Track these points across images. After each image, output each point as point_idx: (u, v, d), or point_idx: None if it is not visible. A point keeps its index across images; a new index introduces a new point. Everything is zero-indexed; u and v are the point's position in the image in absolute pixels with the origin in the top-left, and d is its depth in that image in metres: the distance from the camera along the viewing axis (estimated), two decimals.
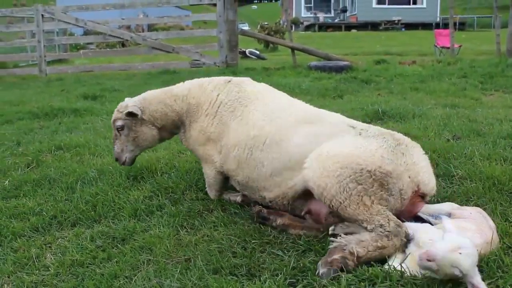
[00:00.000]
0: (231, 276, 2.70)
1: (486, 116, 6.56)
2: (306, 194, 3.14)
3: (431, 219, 3.07)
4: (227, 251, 3.01)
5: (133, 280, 2.75)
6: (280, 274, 2.69)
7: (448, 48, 17.28)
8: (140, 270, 2.86)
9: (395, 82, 10.98)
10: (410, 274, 2.60)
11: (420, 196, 3.08)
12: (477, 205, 3.46)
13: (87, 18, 15.34)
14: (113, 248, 3.16)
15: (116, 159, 3.95)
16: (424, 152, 3.21)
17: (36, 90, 11.17)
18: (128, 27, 25.08)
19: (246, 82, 3.86)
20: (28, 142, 5.98)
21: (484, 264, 2.68)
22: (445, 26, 18.10)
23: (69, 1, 24.20)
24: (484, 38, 26.44)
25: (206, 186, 3.92)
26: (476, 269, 2.48)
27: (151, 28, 30.68)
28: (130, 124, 3.81)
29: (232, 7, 13.99)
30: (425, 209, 3.15)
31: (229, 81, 3.84)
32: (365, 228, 2.81)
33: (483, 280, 2.49)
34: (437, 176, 4.05)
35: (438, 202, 3.52)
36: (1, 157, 5.34)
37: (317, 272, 2.65)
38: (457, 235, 2.60)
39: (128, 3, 16.53)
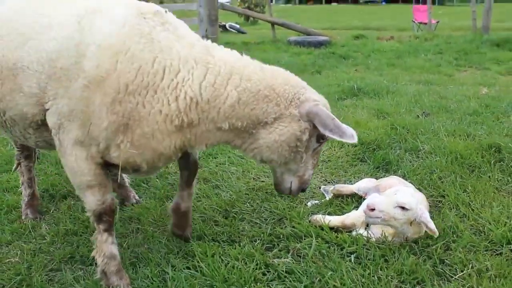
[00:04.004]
0: (213, 242, 2.98)
1: (456, 93, 6.88)
2: None
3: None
4: (209, 220, 3.28)
5: (123, 247, 3.00)
6: (258, 240, 2.98)
7: (426, 24, 17.56)
8: (130, 238, 3.11)
9: (373, 57, 11.25)
10: (376, 239, 2.91)
11: None
12: (440, 178, 3.79)
13: None
14: None
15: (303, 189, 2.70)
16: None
17: None
18: None
19: None
20: None
21: (441, 230, 3.00)
22: (426, 0, 18.25)
23: None
24: (462, 14, 26.76)
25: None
26: (423, 207, 2.84)
27: None
28: None
29: None
30: (345, 189, 3.52)
31: None
32: None
33: (437, 243, 2.82)
34: (405, 150, 4.39)
35: (404, 175, 3.84)
36: None
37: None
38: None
39: None
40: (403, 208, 2.74)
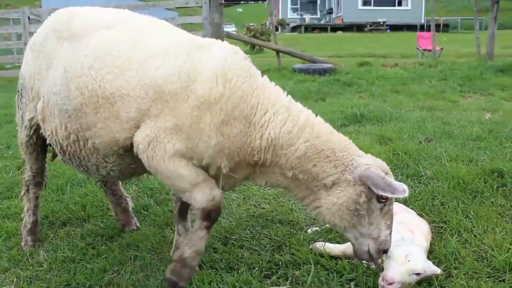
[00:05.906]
0: (211, 270, 2.94)
1: (460, 119, 6.86)
2: None
3: None
4: (208, 247, 3.24)
5: (121, 274, 2.97)
6: (257, 267, 2.94)
7: (430, 50, 17.64)
8: (128, 265, 3.08)
9: (377, 84, 11.27)
10: (375, 266, 2.85)
11: None
12: (442, 203, 3.75)
13: None
14: (102, 245, 3.38)
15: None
16: None
17: None
18: None
19: None
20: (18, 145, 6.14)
21: (443, 257, 2.96)
22: (430, 28, 18.36)
23: (55, 3, 24.08)
24: (466, 41, 26.87)
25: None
26: (427, 260, 2.76)
27: None
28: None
29: (218, 10, 14.15)
30: None
31: None
32: None
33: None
34: (406, 176, 4.35)
35: (406, 201, 3.79)
36: None
37: None
38: (400, 244, 2.80)
39: (114, 6, 16.63)
40: (417, 273, 2.69)
